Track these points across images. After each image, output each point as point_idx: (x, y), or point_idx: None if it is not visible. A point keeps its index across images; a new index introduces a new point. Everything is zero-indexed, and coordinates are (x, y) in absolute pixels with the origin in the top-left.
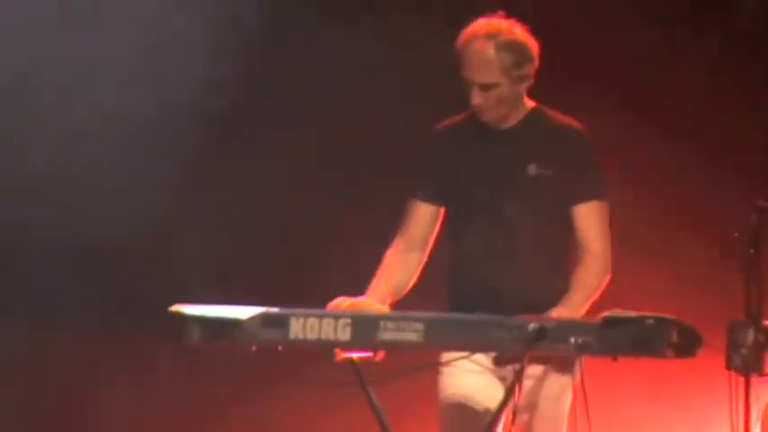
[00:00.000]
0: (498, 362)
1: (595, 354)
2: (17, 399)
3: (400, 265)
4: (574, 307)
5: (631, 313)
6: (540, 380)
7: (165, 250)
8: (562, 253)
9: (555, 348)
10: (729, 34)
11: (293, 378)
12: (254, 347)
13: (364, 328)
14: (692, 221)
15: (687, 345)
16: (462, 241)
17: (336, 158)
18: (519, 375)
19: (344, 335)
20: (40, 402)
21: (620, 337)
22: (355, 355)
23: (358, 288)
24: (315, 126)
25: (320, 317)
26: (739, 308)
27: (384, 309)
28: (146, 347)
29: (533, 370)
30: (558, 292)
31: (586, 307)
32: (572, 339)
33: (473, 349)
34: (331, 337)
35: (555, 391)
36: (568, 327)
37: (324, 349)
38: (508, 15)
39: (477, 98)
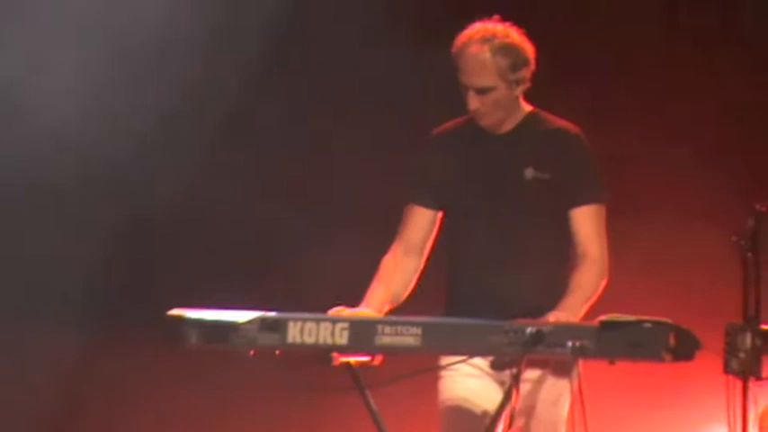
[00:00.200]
0: (496, 366)
1: (593, 357)
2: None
3: (398, 271)
4: (571, 310)
5: (629, 317)
6: (538, 383)
7: (168, 253)
8: (559, 256)
9: (552, 352)
10: (729, 34)
11: (290, 382)
12: (252, 351)
13: (362, 332)
14: (691, 225)
15: (685, 349)
16: (460, 245)
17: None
18: (516, 379)
19: (342, 339)
20: (42, 401)
21: (617, 341)
22: (353, 360)
23: (357, 294)
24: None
25: (317, 321)
26: (737, 312)
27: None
28: (144, 350)
29: (531, 374)
30: (555, 295)
31: (584, 310)
32: (569, 343)
33: (471, 353)
34: (328, 341)
35: (553, 395)
36: (566, 330)
37: (321, 353)
38: (504, 19)
39: (473, 102)
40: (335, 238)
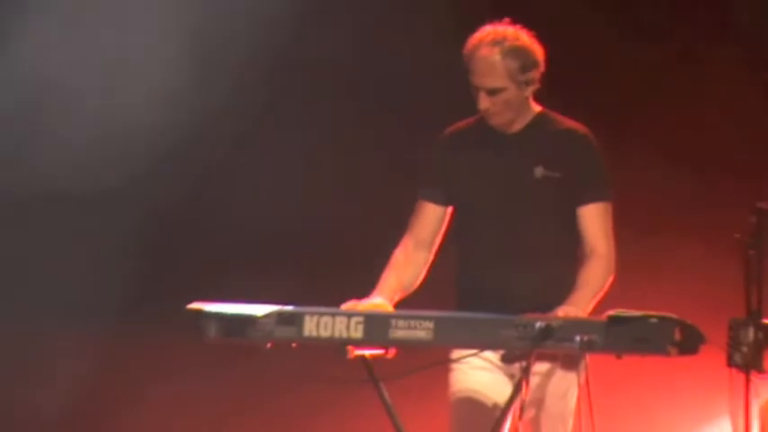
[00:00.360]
0: (506, 359)
1: (600, 351)
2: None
3: (409, 263)
4: (579, 306)
5: (635, 312)
6: (547, 377)
7: (186, 246)
8: (567, 254)
9: (561, 346)
10: (729, 33)
11: (306, 375)
12: (269, 344)
13: (376, 326)
14: (694, 225)
15: (690, 343)
16: (470, 242)
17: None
18: (526, 372)
19: (357, 332)
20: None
21: (624, 336)
22: (367, 353)
23: (367, 288)
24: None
25: (333, 315)
26: (740, 307)
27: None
28: (163, 343)
29: (540, 367)
30: (563, 291)
31: (592, 306)
32: (578, 337)
33: (482, 347)
34: (344, 334)
35: (561, 388)
36: (574, 325)
37: (337, 347)
38: (514, 22)
39: (484, 103)
40: (353, 234)
